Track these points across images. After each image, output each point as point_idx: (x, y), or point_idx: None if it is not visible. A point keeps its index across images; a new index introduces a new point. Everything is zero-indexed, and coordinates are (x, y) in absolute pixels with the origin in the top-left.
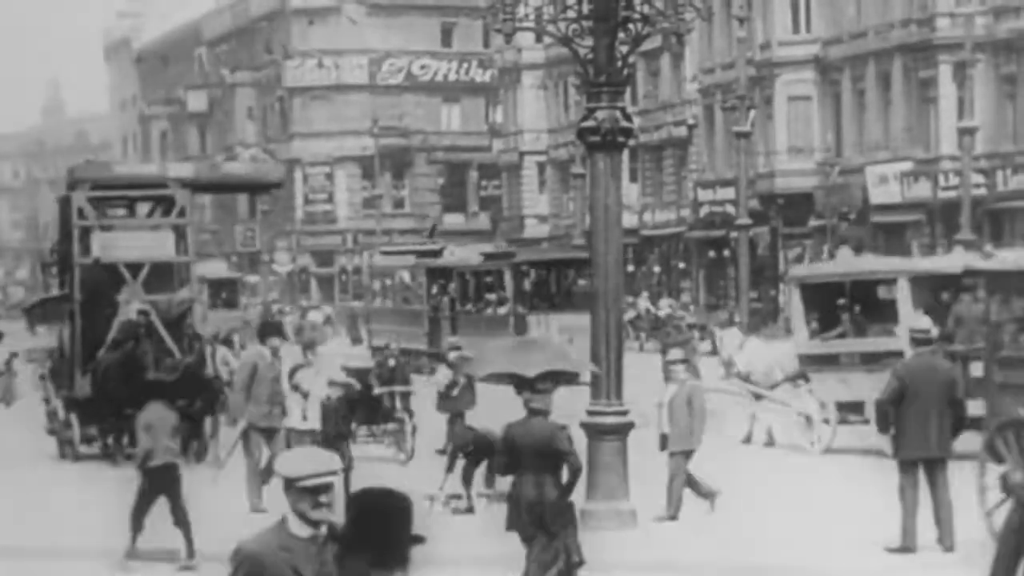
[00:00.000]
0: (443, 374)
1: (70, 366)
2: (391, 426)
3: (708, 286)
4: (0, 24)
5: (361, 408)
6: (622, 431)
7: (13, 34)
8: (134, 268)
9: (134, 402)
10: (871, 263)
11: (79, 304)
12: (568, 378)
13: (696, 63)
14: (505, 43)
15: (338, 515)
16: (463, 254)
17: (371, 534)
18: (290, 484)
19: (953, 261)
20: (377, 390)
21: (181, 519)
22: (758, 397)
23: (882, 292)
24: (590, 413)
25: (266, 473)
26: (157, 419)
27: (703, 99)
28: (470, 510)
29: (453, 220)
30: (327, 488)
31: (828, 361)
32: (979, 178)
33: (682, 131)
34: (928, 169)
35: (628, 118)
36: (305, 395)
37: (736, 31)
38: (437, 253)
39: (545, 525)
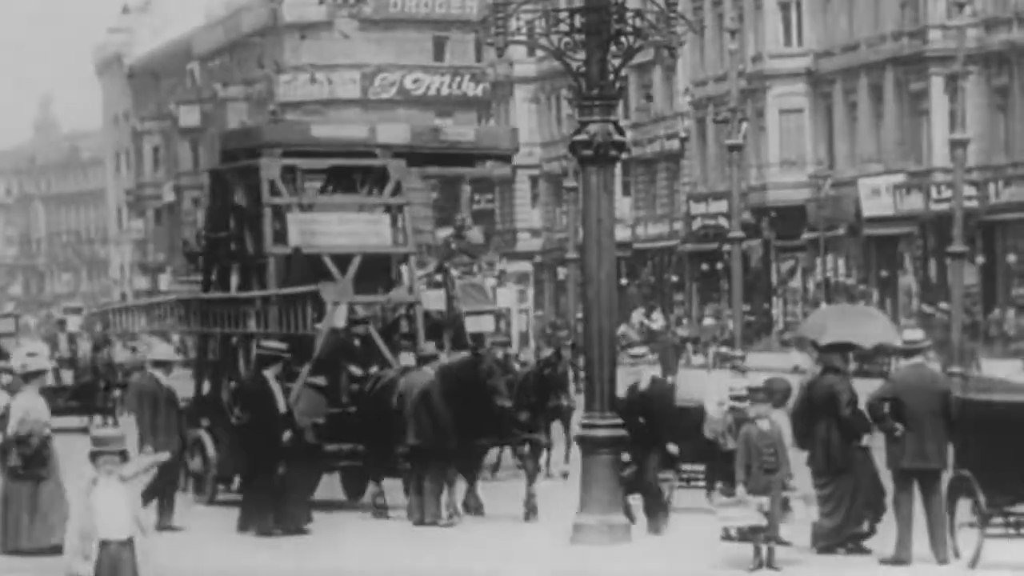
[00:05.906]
0: None
1: None
2: None
3: (701, 299)
4: None
5: None
6: (615, 444)
7: (4, 50)
8: (342, 261)
9: (476, 436)
10: None
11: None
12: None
13: (688, 76)
14: (497, 57)
15: None
16: None
17: None
18: None
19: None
20: None
21: None
22: None
23: None
24: (583, 426)
25: None
26: None
27: (695, 112)
28: None
29: (446, 234)
30: None
31: None
32: (971, 190)
33: (674, 144)
34: (920, 181)
35: (620, 131)
36: None
37: (728, 44)
38: None
39: (833, 463)
